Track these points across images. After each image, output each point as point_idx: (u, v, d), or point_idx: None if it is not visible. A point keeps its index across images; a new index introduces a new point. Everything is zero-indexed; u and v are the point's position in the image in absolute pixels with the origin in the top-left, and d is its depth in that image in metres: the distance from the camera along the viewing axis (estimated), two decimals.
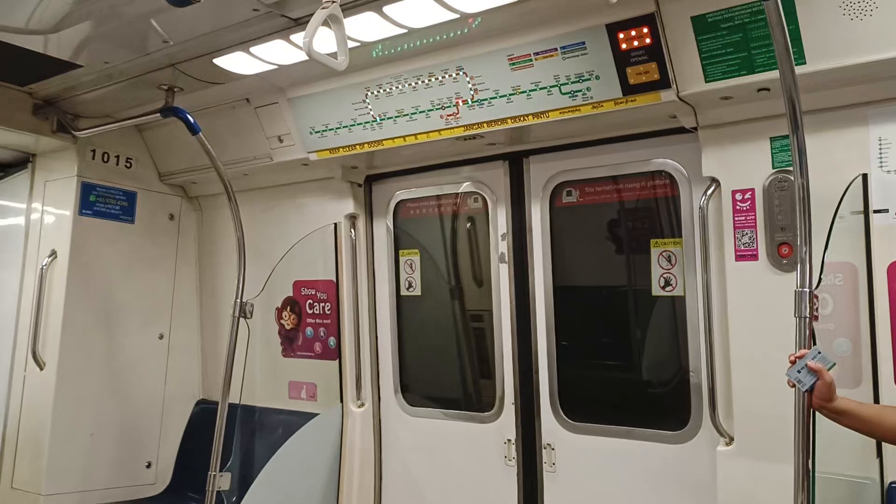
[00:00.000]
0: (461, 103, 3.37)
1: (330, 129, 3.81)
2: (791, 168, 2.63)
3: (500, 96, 3.26)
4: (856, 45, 2.46)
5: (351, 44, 2.95)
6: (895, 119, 2.63)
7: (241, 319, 4.03)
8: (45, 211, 4.57)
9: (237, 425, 4.31)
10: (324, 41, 2.37)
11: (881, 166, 2.64)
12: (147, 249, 4.75)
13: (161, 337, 4.80)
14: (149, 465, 4.71)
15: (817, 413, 2.21)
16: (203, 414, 4.81)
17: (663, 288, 3.36)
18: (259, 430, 4.46)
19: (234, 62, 3.47)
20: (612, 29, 2.85)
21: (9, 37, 3.25)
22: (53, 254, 4.39)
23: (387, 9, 2.89)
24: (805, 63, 2.53)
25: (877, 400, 2.60)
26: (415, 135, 3.57)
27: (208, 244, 5.01)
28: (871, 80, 2.59)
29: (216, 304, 4.90)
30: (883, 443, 2.56)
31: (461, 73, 3.29)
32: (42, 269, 4.37)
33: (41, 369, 4.32)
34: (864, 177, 2.65)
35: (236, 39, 3.27)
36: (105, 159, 4.56)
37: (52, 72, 3.74)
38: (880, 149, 2.64)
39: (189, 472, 4.63)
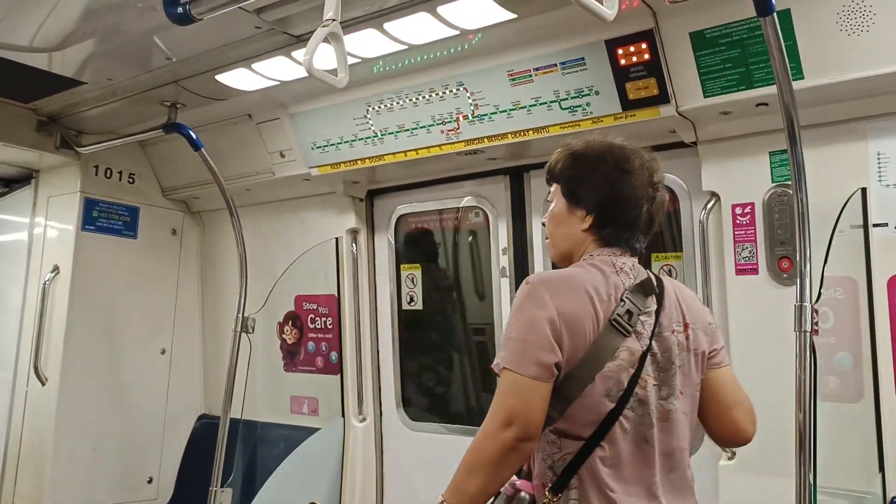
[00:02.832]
0: (462, 118, 3.39)
1: (331, 145, 3.83)
2: (790, 182, 2.64)
3: (501, 111, 3.27)
4: (853, 60, 2.47)
5: (352, 60, 2.97)
6: (894, 133, 2.64)
7: (243, 334, 4.04)
8: (47, 226, 4.59)
9: (239, 440, 4.30)
10: (324, 58, 2.39)
11: (880, 180, 2.65)
12: (149, 265, 4.76)
13: (163, 352, 4.81)
14: (150, 481, 4.70)
15: (819, 426, 2.21)
16: (205, 429, 4.80)
17: None
18: (261, 445, 4.46)
19: (237, 78, 3.50)
20: (612, 45, 2.87)
21: (13, 54, 3.28)
22: (56, 269, 4.40)
23: (387, 25, 2.92)
24: (803, 78, 2.55)
25: (878, 415, 2.60)
26: (416, 150, 3.59)
27: (210, 259, 5.02)
28: (869, 94, 2.60)
29: (218, 319, 4.90)
30: (885, 457, 2.56)
31: (462, 89, 3.31)
32: (45, 284, 4.38)
33: (43, 385, 4.32)
34: (864, 191, 2.66)
35: (238, 56, 3.30)
36: (108, 175, 4.58)
37: (55, 89, 3.77)
38: (879, 163, 2.65)
39: (190, 487, 4.62)
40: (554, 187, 2.01)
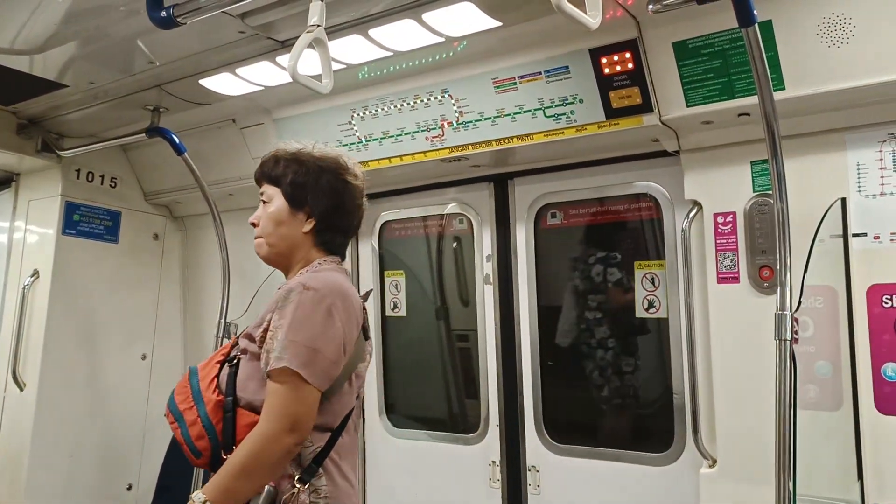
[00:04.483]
0: (446, 125, 3.39)
1: None
2: (771, 192, 2.66)
3: (485, 119, 3.28)
4: (834, 71, 2.50)
5: (337, 66, 2.97)
6: (873, 144, 2.67)
7: (225, 340, 4.01)
8: (28, 230, 4.54)
9: None
10: (309, 64, 2.39)
11: (860, 191, 2.67)
12: (131, 269, 4.72)
13: (144, 357, 4.77)
14: (129, 488, 4.65)
15: (799, 434, 2.22)
16: None
17: (647, 310, 3.38)
18: None
19: (220, 83, 3.48)
20: (596, 54, 2.89)
21: None
22: (36, 273, 4.36)
23: (372, 32, 2.92)
24: (784, 89, 2.57)
25: (857, 423, 2.62)
26: (400, 156, 3.59)
27: (192, 264, 4.99)
28: (849, 105, 2.63)
29: (200, 325, 4.87)
30: (864, 466, 2.58)
31: (446, 96, 3.32)
32: (24, 288, 4.33)
33: (21, 390, 4.27)
34: (843, 201, 2.69)
35: (222, 61, 3.29)
36: (89, 179, 4.54)
37: (37, 91, 3.73)
38: (858, 173, 2.68)
39: (170, 494, 4.57)
40: (270, 189, 2.11)
